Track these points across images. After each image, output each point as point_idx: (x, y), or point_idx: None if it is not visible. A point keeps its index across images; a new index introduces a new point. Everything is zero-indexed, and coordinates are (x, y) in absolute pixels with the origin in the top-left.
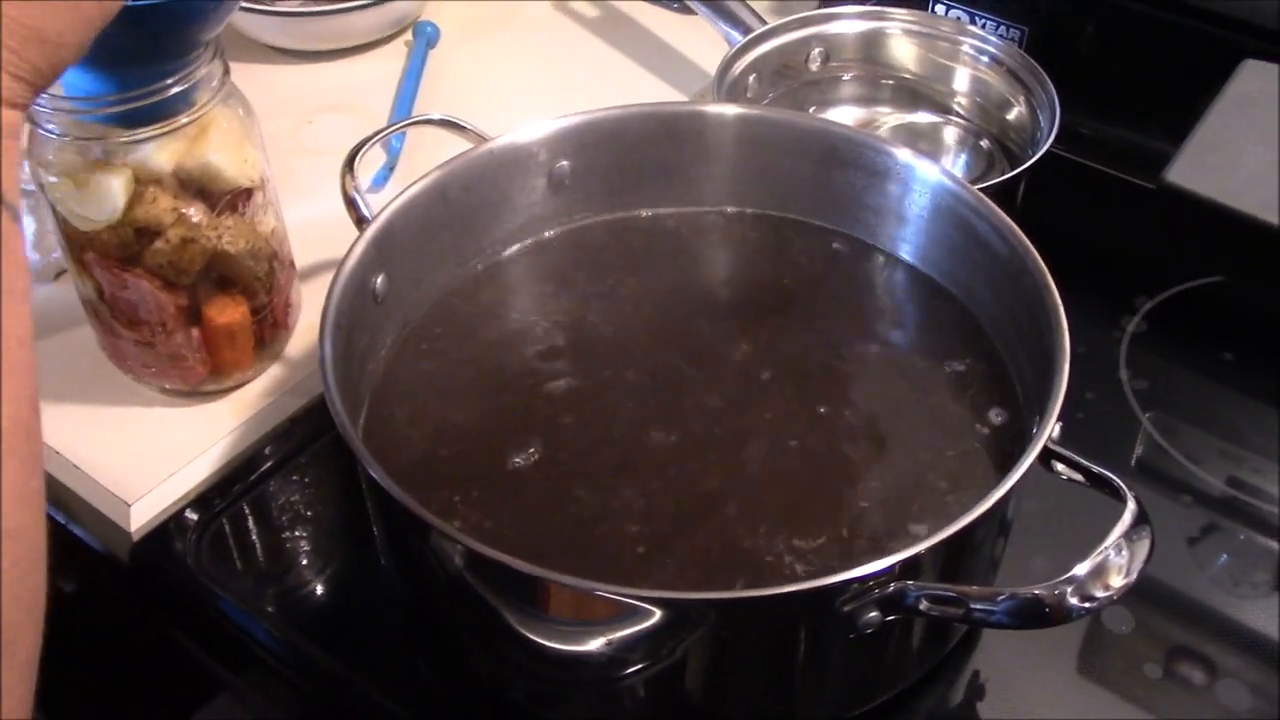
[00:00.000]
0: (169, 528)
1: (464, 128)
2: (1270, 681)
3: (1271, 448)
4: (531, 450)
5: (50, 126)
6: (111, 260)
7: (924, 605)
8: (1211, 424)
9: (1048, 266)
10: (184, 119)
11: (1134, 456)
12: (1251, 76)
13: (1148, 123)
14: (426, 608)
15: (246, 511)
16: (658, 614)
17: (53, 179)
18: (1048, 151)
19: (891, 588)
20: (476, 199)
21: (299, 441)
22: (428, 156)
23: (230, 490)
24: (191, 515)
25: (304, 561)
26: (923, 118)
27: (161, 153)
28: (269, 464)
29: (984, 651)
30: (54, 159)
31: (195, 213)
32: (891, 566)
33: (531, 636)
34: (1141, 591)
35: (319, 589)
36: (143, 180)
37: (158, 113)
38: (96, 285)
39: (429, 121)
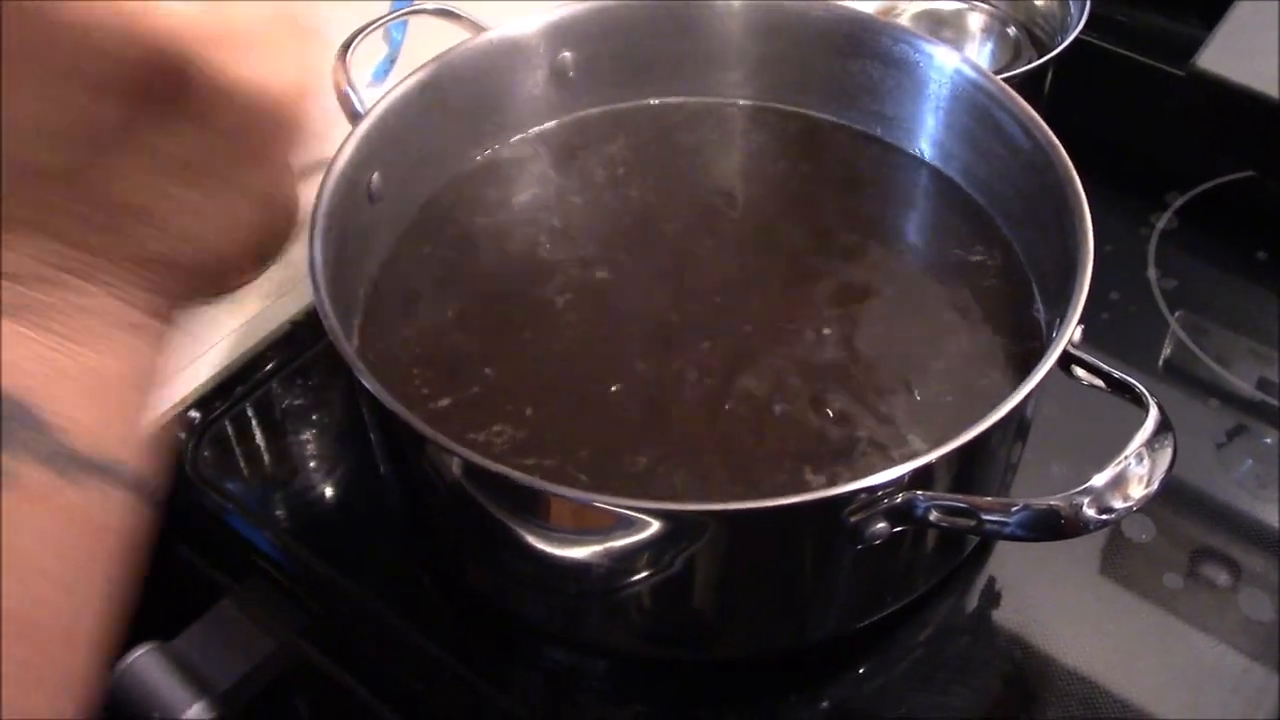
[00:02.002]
0: (165, 433)
1: (460, 17)
2: None
3: None
4: (534, 348)
5: None
6: None
7: (934, 516)
8: (1242, 324)
9: (1075, 160)
10: None
11: (1161, 358)
12: None
13: (1184, 8)
14: (426, 518)
15: (246, 417)
16: (658, 525)
17: None
18: (1077, 39)
19: (900, 498)
20: (475, 91)
21: (300, 345)
22: (432, 48)
23: (229, 395)
24: (191, 416)
25: (304, 469)
26: (946, 4)
27: None
28: (268, 368)
29: (999, 559)
30: None
31: None
32: (900, 477)
33: (531, 548)
34: (1165, 496)
35: (320, 497)
36: None
37: None
38: None
39: (423, 11)
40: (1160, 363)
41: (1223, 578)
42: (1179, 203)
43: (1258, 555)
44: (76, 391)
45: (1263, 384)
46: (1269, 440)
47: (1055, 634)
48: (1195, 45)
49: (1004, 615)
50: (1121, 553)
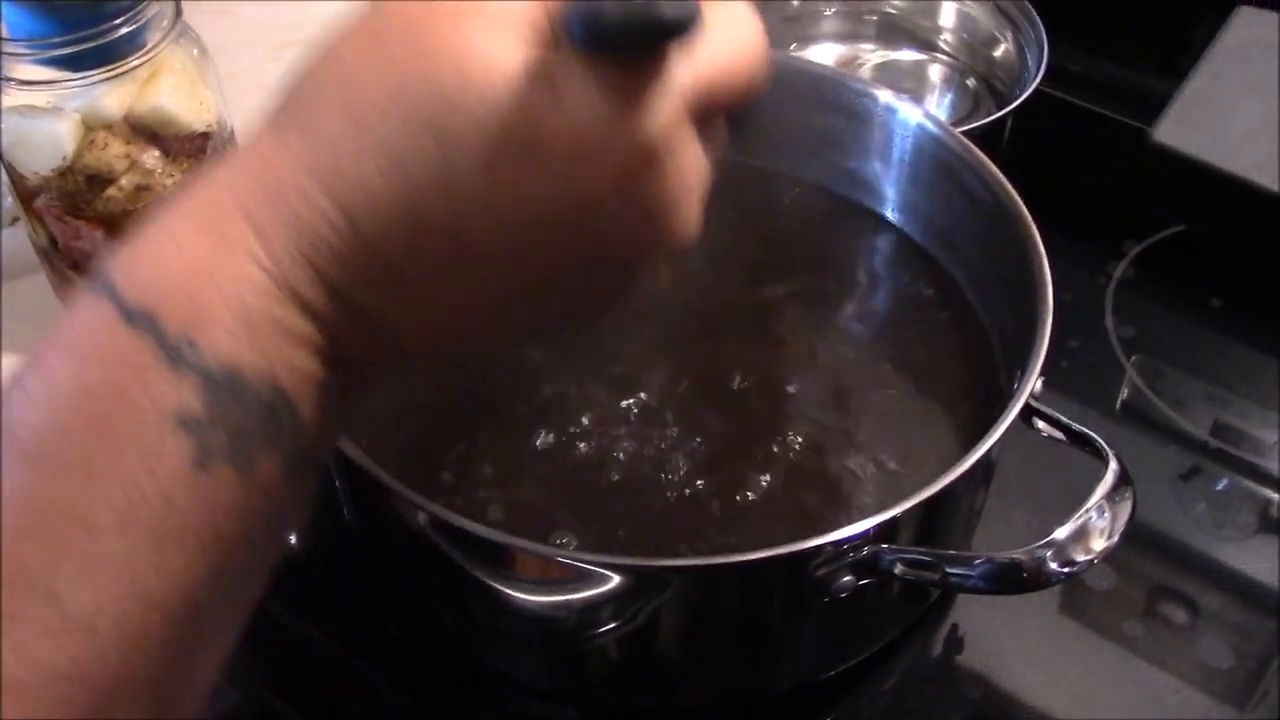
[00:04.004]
0: None
1: None
2: (1251, 623)
3: (1258, 393)
4: (505, 404)
5: None
6: (62, 209)
7: (899, 569)
8: (1198, 371)
9: (1033, 209)
10: (134, 61)
11: (1118, 405)
12: (1245, 25)
13: (1139, 60)
14: (392, 568)
15: None
16: (625, 580)
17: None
18: (1035, 90)
19: (866, 551)
20: None
21: None
22: None
23: None
24: None
25: None
26: (906, 55)
27: (111, 97)
28: None
29: (962, 606)
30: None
31: (149, 159)
32: (866, 531)
33: (498, 601)
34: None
35: (284, 544)
36: (92, 126)
37: (106, 55)
38: (49, 234)
39: None
40: (1117, 408)
41: (1182, 621)
42: (1135, 251)
43: (1215, 596)
44: (322, 401)
45: (1217, 429)
46: (1223, 483)
47: (1018, 680)
48: (1150, 96)
49: (967, 662)
50: (1083, 598)
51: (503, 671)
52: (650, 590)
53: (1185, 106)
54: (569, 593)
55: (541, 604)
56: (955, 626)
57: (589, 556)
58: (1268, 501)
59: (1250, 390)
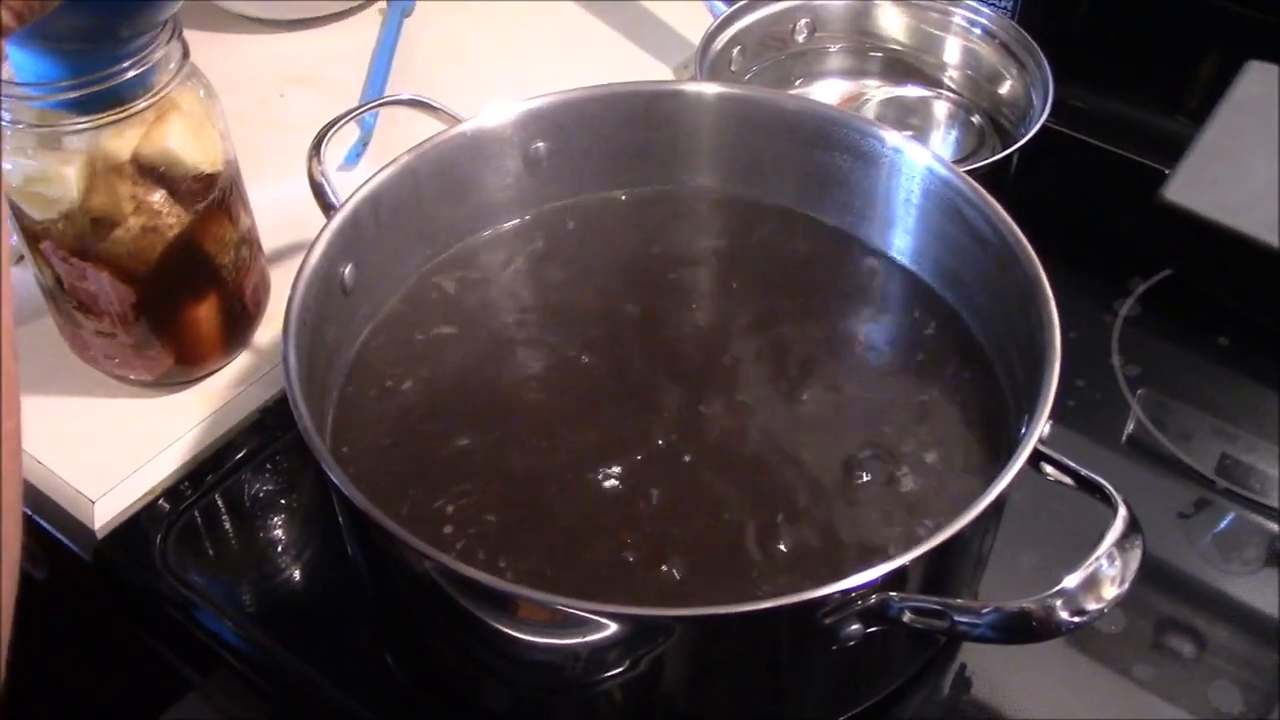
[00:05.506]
0: (134, 525)
1: (435, 108)
2: (1260, 658)
3: (1264, 429)
4: (505, 443)
5: (1, 113)
6: (69, 250)
7: (907, 617)
8: (1205, 410)
9: (1039, 247)
10: (142, 103)
11: (1124, 440)
12: (1255, 81)
13: (1144, 97)
14: (395, 612)
15: (216, 506)
16: (629, 629)
17: (5, 166)
18: (1041, 128)
19: (874, 600)
20: (449, 182)
21: (269, 432)
22: (403, 131)
23: (199, 485)
24: (162, 506)
25: (273, 557)
26: (912, 91)
27: (119, 139)
28: (238, 457)
29: (971, 645)
30: (5, 146)
31: (156, 200)
32: (875, 579)
33: (502, 647)
34: None
35: (288, 585)
36: (100, 168)
37: (114, 97)
38: (55, 275)
39: (398, 102)
40: (1123, 441)
41: (1190, 657)
42: (1141, 289)
43: (1222, 631)
44: None
45: (1223, 465)
46: (1229, 518)
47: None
48: (1155, 132)
49: (976, 703)
50: (1091, 636)
51: (506, 715)
52: (654, 639)
53: (1196, 165)
54: (573, 639)
55: (546, 651)
56: (964, 666)
57: (593, 605)
58: (1273, 536)
59: (1256, 426)
